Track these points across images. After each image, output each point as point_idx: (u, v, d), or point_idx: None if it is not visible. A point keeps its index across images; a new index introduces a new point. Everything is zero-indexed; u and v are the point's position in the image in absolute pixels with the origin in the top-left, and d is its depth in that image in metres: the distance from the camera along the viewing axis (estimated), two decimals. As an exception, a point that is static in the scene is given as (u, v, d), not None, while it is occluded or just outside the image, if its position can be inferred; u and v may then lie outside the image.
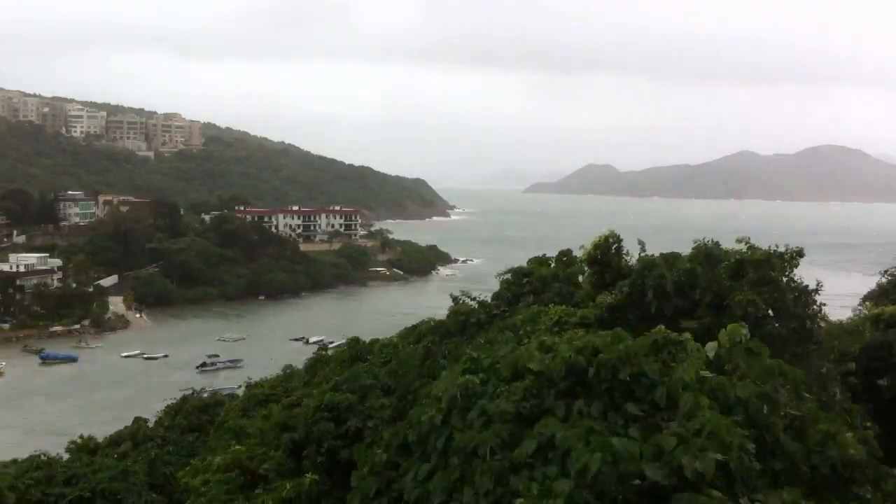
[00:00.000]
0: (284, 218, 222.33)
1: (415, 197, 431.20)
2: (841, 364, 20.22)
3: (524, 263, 24.00)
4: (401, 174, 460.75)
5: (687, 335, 11.18)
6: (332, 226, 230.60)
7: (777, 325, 17.00)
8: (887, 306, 25.80)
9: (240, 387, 45.48)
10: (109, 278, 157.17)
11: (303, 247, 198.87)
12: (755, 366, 10.67)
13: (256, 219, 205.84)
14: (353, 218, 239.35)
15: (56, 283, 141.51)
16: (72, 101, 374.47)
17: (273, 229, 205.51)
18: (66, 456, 34.86)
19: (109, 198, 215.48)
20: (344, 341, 35.52)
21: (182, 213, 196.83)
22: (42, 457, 31.48)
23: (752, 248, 18.41)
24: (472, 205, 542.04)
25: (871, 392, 20.58)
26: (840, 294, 37.15)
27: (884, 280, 34.69)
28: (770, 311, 17.00)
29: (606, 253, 20.42)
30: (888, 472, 10.53)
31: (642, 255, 19.25)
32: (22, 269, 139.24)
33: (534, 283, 22.47)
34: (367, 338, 31.84)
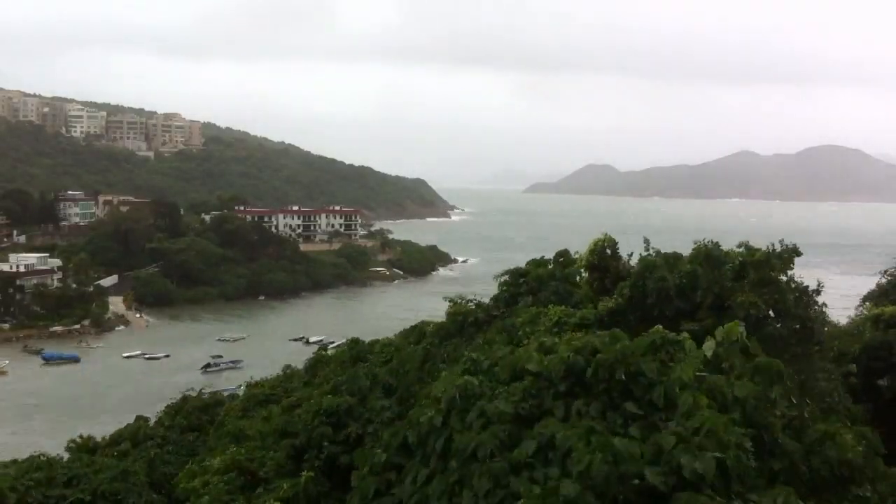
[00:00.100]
0: (284, 218, 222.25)
1: (415, 197, 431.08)
2: (841, 364, 20.22)
3: (523, 264, 23.98)
4: (400, 174, 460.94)
5: (685, 335, 11.18)
6: (332, 226, 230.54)
7: (778, 325, 16.99)
8: (887, 307, 25.81)
9: (240, 387, 45.48)
10: (109, 278, 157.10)
11: (303, 247, 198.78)
12: (752, 365, 10.69)
13: (256, 219, 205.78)
14: (353, 218, 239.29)
15: (56, 283, 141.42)
16: (72, 101, 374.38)
17: (273, 229, 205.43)
18: (66, 456, 34.84)
19: (109, 198, 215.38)
20: (344, 342, 35.52)
21: (182, 213, 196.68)
22: (42, 457, 31.45)
23: (751, 249, 18.40)
24: (472, 205, 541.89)
25: (872, 392, 20.60)
26: (839, 295, 37.10)
27: (884, 280, 34.70)
28: (771, 312, 16.98)
29: (604, 257, 20.38)
30: (887, 471, 10.54)
31: (644, 254, 19.20)
32: (22, 269, 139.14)
33: (531, 284, 22.47)
34: (366, 338, 31.86)
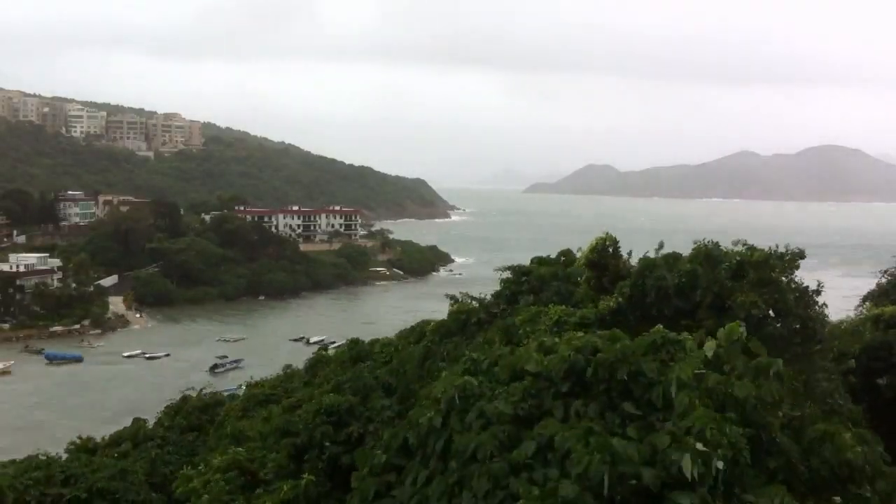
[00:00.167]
0: (284, 218, 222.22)
1: (415, 197, 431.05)
2: (841, 363, 20.21)
3: (523, 263, 23.98)
4: (400, 174, 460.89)
5: (685, 335, 11.16)
6: (332, 226, 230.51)
7: (778, 325, 16.97)
8: (887, 306, 25.79)
9: (240, 387, 45.45)
10: (109, 278, 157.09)
11: (303, 247, 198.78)
12: (753, 366, 10.67)
13: (256, 219, 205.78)
14: (353, 218, 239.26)
15: (56, 283, 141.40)
16: (72, 101, 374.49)
17: (273, 229, 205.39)
18: (65, 456, 34.81)
19: (109, 198, 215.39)
20: (344, 342, 35.49)
21: (182, 213, 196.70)
22: (41, 457, 31.44)
23: (751, 248, 18.38)
24: (472, 205, 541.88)
25: (871, 392, 20.58)
26: (840, 296, 37.08)
27: (884, 280, 34.69)
28: (771, 312, 16.96)
29: (604, 256, 20.37)
30: (886, 471, 10.52)
31: (660, 253, 19.16)
32: (22, 269, 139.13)
33: (532, 282, 22.46)
34: (367, 338, 31.85)
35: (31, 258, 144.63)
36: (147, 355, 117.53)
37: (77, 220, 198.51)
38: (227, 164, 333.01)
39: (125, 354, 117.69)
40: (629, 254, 20.66)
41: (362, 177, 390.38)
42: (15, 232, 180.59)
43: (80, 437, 39.45)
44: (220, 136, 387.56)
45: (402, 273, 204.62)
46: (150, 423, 41.58)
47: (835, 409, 15.35)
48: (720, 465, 8.48)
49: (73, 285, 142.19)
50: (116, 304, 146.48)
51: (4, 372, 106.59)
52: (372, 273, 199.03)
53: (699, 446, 8.55)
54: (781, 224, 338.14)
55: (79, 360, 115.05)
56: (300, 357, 47.20)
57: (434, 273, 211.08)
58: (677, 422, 8.99)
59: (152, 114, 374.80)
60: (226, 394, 47.07)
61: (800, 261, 18.10)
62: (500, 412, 10.09)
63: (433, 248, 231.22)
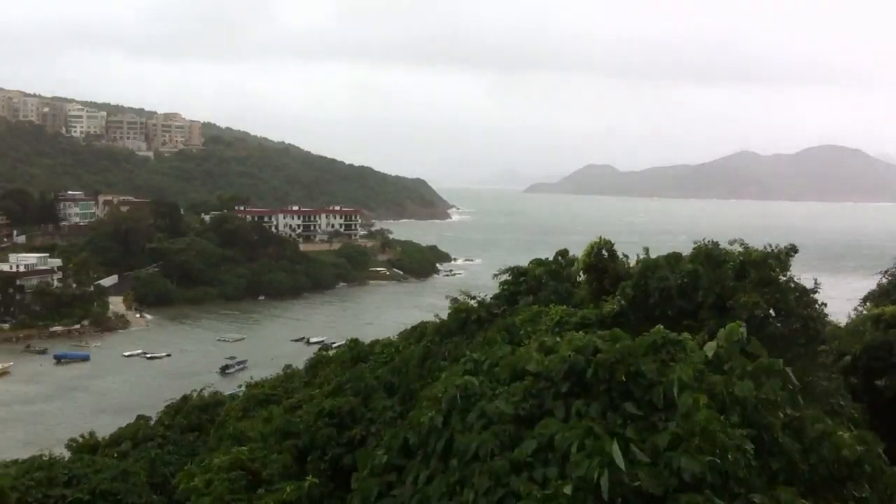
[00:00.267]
0: (284, 218, 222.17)
1: (415, 197, 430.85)
2: (841, 363, 20.24)
3: (523, 264, 24.01)
4: (400, 174, 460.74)
5: (686, 335, 11.18)
6: (332, 226, 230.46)
7: (780, 325, 16.98)
8: (887, 306, 25.81)
9: (240, 387, 45.42)
10: (109, 278, 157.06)
11: (303, 247, 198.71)
12: (754, 366, 10.69)
13: (256, 219, 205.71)
14: (353, 218, 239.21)
15: (56, 283, 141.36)
16: (72, 101, 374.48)
17: (273, 229, 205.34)
18: (66, 456, 34.83)
19: (109, 198, 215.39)
20: (344, 342, 35.45)
21: (182, 213, 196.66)
22: (43, 457, 31.48)
23: (748, 248, 18.41)
24: (472, 205, 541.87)
25: (871, 392, 20.61)
26: (844, 298, 37.14)
27: (884, 280, 34.70)
28: (772, 312, 16.98)
29: (601, 259, 20.38)
30: (886, 470, 10.54)
31: (672, 252, 19.16)
32: (22, 269, 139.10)
33: (531, 283, 22.48)
34: (367, 338, 31.85)
35: (31, 258, 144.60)
36: (148, 355, 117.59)
37: (77, 220, 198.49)
38: (227, 164, 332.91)
39: (125, 354, 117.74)
40: (626, 256, 20.66)
41: (362, 177, 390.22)
42: (15, 232, 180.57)
43: (81, 436, 39.48)
44: (220, 136, 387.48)
45: (402, 273, 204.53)
46: (152, 423, 41.62)
47: (835, 410, 15.38)
48: (726, 466, 8.51)
49: (74, 285, 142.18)
50: (116, 304, 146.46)
51: (3, 372, 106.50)
52: (372, 273, 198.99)
53: (706, 448, 8.58)
54: (782, 225, 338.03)
55: (86, 359, 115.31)
56: (300, 357, 47.20)
57: (434, 273, 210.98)
58: (681, 423, 9.01)
59: (152, 114, 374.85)
60: (225, 393, 47.04)
61: (801, 262, 18.11)
62: (502, 412, 10.11)
63: (433, 248, 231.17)
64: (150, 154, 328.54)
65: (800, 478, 9.63)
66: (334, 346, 65.72)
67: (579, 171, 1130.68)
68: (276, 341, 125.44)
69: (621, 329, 11.27)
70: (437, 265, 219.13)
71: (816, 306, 17.81)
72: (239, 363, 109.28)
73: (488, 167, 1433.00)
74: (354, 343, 30.16)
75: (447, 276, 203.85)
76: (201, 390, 43.53)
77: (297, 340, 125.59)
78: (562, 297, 20.97)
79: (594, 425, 9.20)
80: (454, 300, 23.00)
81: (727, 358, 10.72)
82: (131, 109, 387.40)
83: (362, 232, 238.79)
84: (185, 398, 42.56)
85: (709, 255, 18.46)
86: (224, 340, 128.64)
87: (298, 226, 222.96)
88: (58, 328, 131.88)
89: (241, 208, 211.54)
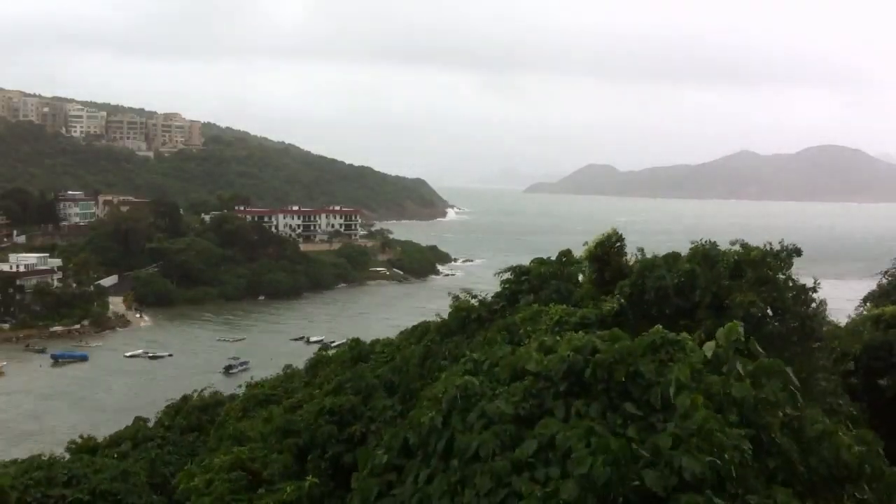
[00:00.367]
0: (284, 218, 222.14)
1: (415, 197, 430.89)
2: (842, 363, 20.24)
3: (524, 263, 24.02)
4: (400, 174, 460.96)
5: (685, 335, 11.19)
6: (332, 226, 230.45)
7: (777, 324, 16.98)
8: (887, 307, 25.80)
9: (240, 387, 45.43)
10: (109, 278, 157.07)
11: (303, 247, 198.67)
12: (753, 366, 10.69)
13: (256, 219, 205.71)
14: (353, 218, 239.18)
15: (56, 283, 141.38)
16: (72, 101, 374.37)
17: (273, 229, 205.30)
18: (66, 456, 34.84)
19: (109, 198, 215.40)
20: (345, 341, 35.43)
21: (182, 213, 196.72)
22: (43, 457, 31.49)
23: (747, 247, 18.42)
24: (473, 205, 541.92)
25: (872, 392, 20.60)
26: (845, 300, 37.13)
27: (884, 281, 34.68)
28: (769, 311, 16.97)
29: (608, 251, 20.43)
30: (886, 471, 10.53)
31: (670, 252, 19.19)
32: (22, 269, 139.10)
33: (532, 281, 22.49)
34: (367, 338, 31.86)
35: (31, 258, 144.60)
36: (149, 355, 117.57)
37: (77, 220, 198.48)
38: (227, 164, 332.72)
39: (127, 354, 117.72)
40: (626, 255, 20.70)
41: (362, 177, 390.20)
42: (15, 232, 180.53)
43: (81, 437, 39.48)
44: (220, 136, 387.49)
45: (402, 273, 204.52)
46: (151, 423, 41.63)
47: (834, 409, 15.38)
48: (725, 466, 8.51)
49: (74, 285, 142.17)
50: (116, 304, 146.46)
51: None
52: (372, 273, 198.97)
53: (705, 448, 8.58)
54: (782, 225, 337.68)
55: (84, 359, 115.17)
56: (300, 357, 47.21)
57: (434, 273, 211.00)
58: (680, 423, 9.01)
59: (152, 114, 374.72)
60: (225, 394, 47.03)
61: (803, 263, 18.11)
62: (502, 412, 10.12)
63: (433, 248, 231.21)
64: (150, 154, 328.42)
65: (798, 478, 9.63)
66: (334, 345, 65.87)
67: (579, 171, 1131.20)
68: (277, 341, 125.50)
69: (620, 328, 11.28)
70: (437, 265, 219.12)
71: (814, 305, 17.80)
72: (241, 363, 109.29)
73: (488, 167, 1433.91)
74: (355, 343, 30.19)
75: (447, 275, 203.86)
76: (202, 391, 43.54)
77: (296, 340, 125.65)
78: (563, 296, 20.97)
79: (595, 425, 9.21)
80: (455, 298, 23.01)
81: (725, 358, 10.73)
82: (131, 109, 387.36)
83: (362, 232, 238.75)
84: (186, 398, 42.57)
85: (706, 255, 18.48)
86: (224, 340, 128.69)
87: (298, 226, 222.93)
88: (58, 328, 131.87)
89: (241, 208, 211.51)
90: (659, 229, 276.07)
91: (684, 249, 19.58)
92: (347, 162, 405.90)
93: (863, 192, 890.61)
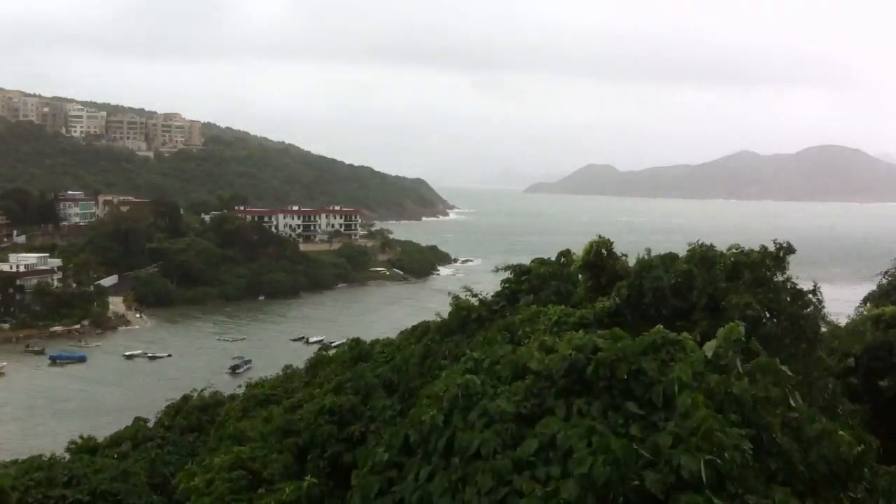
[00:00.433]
0: (284, 218, 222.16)
1: (415, 197, 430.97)
2: (841, 364, 20.26)
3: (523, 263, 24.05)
4: (400, 174, 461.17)
5: (685, 334, 11.23)
6: (332, 226, 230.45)
7: (773, 325, 17.00)
8: (887, 307, 25.83)
9: (240, 387, 45.47)
10: (109, 278, 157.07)
11: (303, 247, 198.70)
12: (752, 366, 10.72)
13: (256, 219, 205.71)
14: (353, 218, 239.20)
15: (56, 283, 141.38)
16: (72, 101, 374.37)
17: (273, 229, 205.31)
18: (66, 457, 34.85)
19: (109, 198, 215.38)
20: (344, 341, 35.44)
21: (182, 213, 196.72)
22: (43, 457, 31.52)
23: (744, 250, 18.45)
24: (473, 205, 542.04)
25: (872, 392, 20.62)
26: (845, 301, 37.17)
27: (884, 281, 34.73)
28: (766, 312, 17.00)
29: (600, 258, 20.42)
30: (886, 470, 10.56)
31: (668, 252, 19.19)
32: (22, 269, 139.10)
33: (532, 282, 22.52)
34: (367, 338, 31.90)
35: (31, 258, 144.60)
36: (149, 355, 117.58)
37: (77, 220, 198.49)
38: (227, 164, 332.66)
39: (126, 354, 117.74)
40: (625, 256, 20.69)
41: (362, 177, 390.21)
42: (15, 232, 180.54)
43: (81, 437, 39.49)
44: (220, 136, 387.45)
45: (402, 273, 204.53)
46: (151, 423, 41.64)
47: (831, 409, 15.40)
48: (724, 466, 8.53)
49: (74, 285, 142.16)
50: (116, 304, 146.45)
51: None
52: (372, 273, 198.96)
53: (705, 448, 8.60)
54: (783, 225, 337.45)
55: (83, 360, 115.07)
56: (300, 357, 47.23)
57: (434, 273, 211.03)
58: (680, 422, 9.04)
59: (152, 114, 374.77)
60: (225, 394, 47.04)
61: (806, 264, 18.11)
62: (503, 410, 10.15)
63: (433, 248, 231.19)
64: (150, 154, 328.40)
65: (798, 477, 9.65)
66: (333, 345, 65.91)
67: (579, 171, 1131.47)
68: (277, 341, 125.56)
69: (619, 328, 11.32)
70: (437, 265, 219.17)
71: (812, 307, 17.81)
72: (246, 362, 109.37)
73: (488, 167, 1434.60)
74: (355, 342, 30.22)
75: (447, 275, 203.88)
76: (202, 390, 43.56)
77: (295, 340, 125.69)
78: (562, 296, 20.99)
79: (596, 424, 9.24)
80: (456, 297, 23.04)
81: (726, 357, 10.76)
82: (131, 109, 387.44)
83: (362, 232, 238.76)
84: (186, 398, 42.58)
85: (703, 256, 18.50)
86: (224, 340, 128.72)
87: (298, 226, 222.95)
88: (58, 328, 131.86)
89: (241, 208, 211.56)
90: (659, 229, 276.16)
91: (681, 250, 19.59)
92: (347, 162, 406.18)
93: (863, 192, 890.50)
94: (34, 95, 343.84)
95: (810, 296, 17.77)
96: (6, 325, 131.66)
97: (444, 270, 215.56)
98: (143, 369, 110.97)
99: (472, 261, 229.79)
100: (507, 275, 23.43)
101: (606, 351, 10.21)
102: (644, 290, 17.43)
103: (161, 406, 45.46)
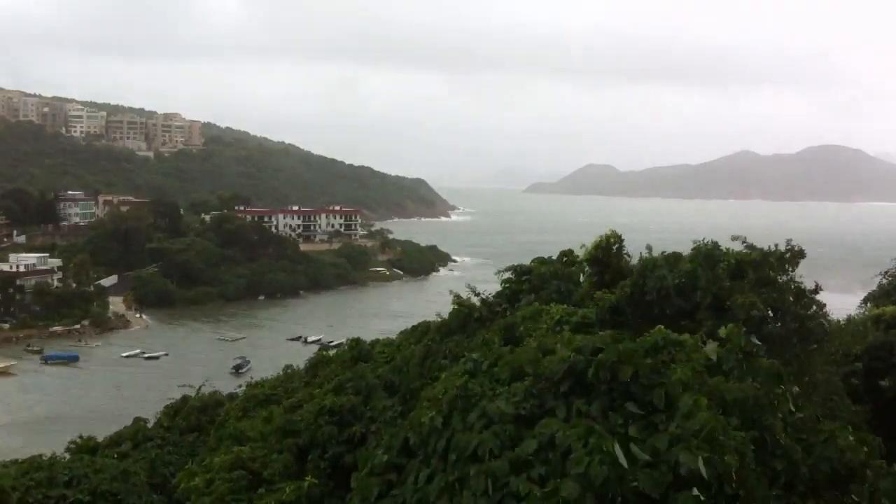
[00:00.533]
0: (284, 218, 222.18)
1: (415, 197, 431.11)
2: (845, 365, 20.21)
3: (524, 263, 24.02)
4: (400, 174, 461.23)
5: (687, 335, 11.18)
6: (332, 226, 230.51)
7: (778, 325, 16.94)
8: (888, 307, 25.79)
9: (240, 386, 45.43)
10: (109, 278, 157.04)
11: (303, 247, 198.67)
12: (754, 367, 10.68)
13: (256, 219, 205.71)
14: (353, 218, 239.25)
15: (56, 283, 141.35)
16: (72, 101, 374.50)
17: (273, 229, 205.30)
18: (66, 456, 34.80)
19: (109, 198, 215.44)
20: (343, 341, 35.39)
21: (182, 213, 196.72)
22: (43, 457, 31.48)
23: (751, 247, 18.37)
24: (473, 205, 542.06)
25: (873, 392, 20.58)
26: (842, 298, 37.12)
27: (884, 281, 34.69)
28: (770, 312, 16.93)
29: (607, 253, 20.35)
30: (887, 471, 10.52)
31: (671, 252, 19.13)
32: (22, 269, 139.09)
33: (533, 281, 22.48)
34: (367, 338, 31.86)
35: (31, 258, 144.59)
36: (146, 355, 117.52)
37: (77, 220, 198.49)
38: (227, 164, 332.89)
39: (124, 355, 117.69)
40: (628, 255, 20.63)
41: (362, 177, 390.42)
42: (15, 232, 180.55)
43: (80, 437, 39.44)
44: (220, 136, 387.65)
45: (402, 273, 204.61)
46: (150, 423, 41.57)
47: (834, 410, 15.37)
48: (726, 468, 8.50)
49: (73, 285, 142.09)
50: (116, 304, 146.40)
51: (7, 373, 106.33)
52: (372, 273, 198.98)
53: (707, 449, 8.57)
54: (783, 226, 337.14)
55: (75, 359, 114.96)
56: (300, 357, 47.18)
57: (434, 273, 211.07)
58: (682, 423, 9.00)
59: (152, 114, 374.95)
60: (224, 394, 46.98)
61: (801, 259, 18.06)
62: (502, 412, 10.11)
63: (433, 248, 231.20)
64: (150, 154, 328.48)
65: (801, 479, 9.62)
66: (332, 345, 65.93)
67: (579, 171, 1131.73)
68: (277, 341, 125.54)
69: (620, 329, 11.29)
70: (438, 265, 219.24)
71: (816, 306, 17.76)
72: (247, 362, 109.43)
73: (488, 167, 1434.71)
74: (355, 342, 30.17)
75: (447, 275, 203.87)
76: (199, 389, 43.49)
77: (293, 340, 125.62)
78: (564, 296, 20.95)
79: (595, 424, 9.19)
80: (457, 297, 23.00)
81: (727, 359, 10.72)
82: (131, 109, 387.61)
83: (362, 232, 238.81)
84: (185, 399, 42.51)
85: (708, 255, 18.43)
86: (224, 340, 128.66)
87: (298, 226, 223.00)
88: (58, 328, 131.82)
89: (241, 208, 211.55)
90: (658, 228, 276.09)
91: (680, 249, 19.53)
92: (347, 162, 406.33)
93: (863, 192, 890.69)
94: (34, 95, 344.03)
95: (814, 295, 17.73)
96: (6, 325, 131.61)
97: (444, 270, 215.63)
98: (141, 369, 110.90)
99: (472, 261, 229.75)
100: (507, 275, 23.40)
101: (607, 353, 10.16)
102: (647, 289, 17.36)
103: (159, 406, 45.40)
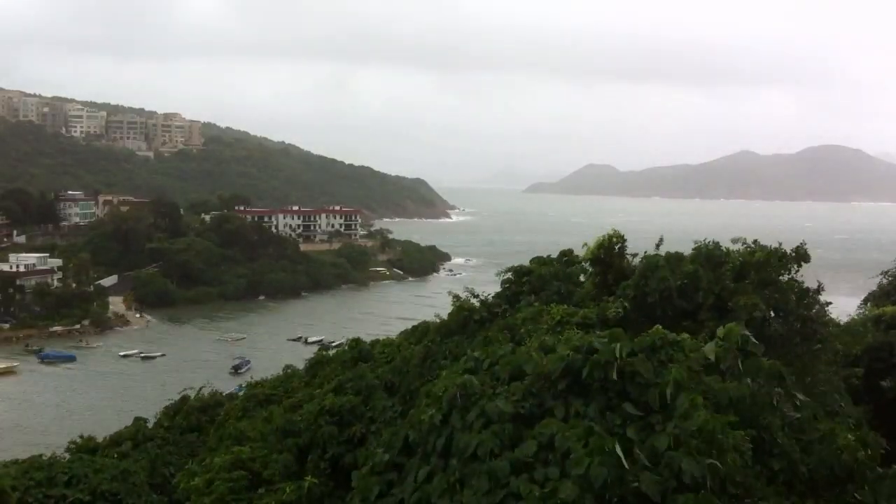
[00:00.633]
0: (284, 218, 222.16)
1: (415, 197, 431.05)
2: (846, 366, 20.20)
3: (525, 263, 24.00)
4: (400, 174, 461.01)
5: (685, 335, 11.16)
6: (332, 226, 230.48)
7: (780, 325, 16.93)
8: (888, 307, 25.79)
9: (240, 386, 45.41)
10: (109, 278, 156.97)
11: (303, 247, 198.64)
12: (752, 366, 10.66)
13: (256, 219, 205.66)
14: (353, 218, 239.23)
15: (56, 283, 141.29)
16: (72, 101, 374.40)
17: (273, 229, 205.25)
18: (66, 456, 34.78)
19: (109, 198, 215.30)
20: (344, 341, 35.35)
21: (182, 213, 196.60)
22: (43, 457, 31.46)
23: (752, 247, 18.36)
24: (473, 205, 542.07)
25: (873, 392, 20.57)
26: (843, 299, 37.05)
27: (884, 281, 34.67)
28: (772, 312, 16.92)
29: (609, 253, 20.35)
30: (887, 472, 10.51)
31: (673, 252, 19.11)
32: (22, 269, 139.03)
33: (533, 282, 22.47)
34: (367, 338, 31.85)
35: (31, 258, 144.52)
36: (143, 355, 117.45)
37: (77, 220, 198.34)
38: (227, 164, 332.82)
39: (122, 354, 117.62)
40: (633, 255, 20.62)
41: (362, 177, 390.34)
42: (15, 232, 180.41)
43: (80, 437, 39.44)
44: (220, 136, 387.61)
45: (402, 273, 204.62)
46: (150, 423, 41.55)
47: (835, 410, 15.35)
48: (725, 468, 8.48)
49: (73, 285, 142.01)
50: (116, 304, 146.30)
51: (9, 372, 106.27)
52: (372, 273, 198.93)
53: (705, 450, 8.55)
54: (784, 226, 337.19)
55: (72, 359, 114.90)
56: (300, 357, 47.16)
57: (434, 273, 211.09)
58: (680, 423, 8.98)
59: (152, 114, 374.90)
60: (224, 393, 46.94)
61: (805, 263, 18.03)
62: (502, 411, 10.10)
63: (433, 248, 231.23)
64: (150, 154, 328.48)
65: (800, 479, 9.61)
66: (333, 345, 65.90)
67: (579, 171, 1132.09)
68: (276, 341, 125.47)
69: (623, 329, 11.26)
70: (438, 265, 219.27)
71: (818, 306, 17.76)
72: (246, 362, 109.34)
73: (488, 167, 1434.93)
74: (355, 342, 30.16)
75: (447, 275, 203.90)
76: (200, 389, 43.46)
77: (294, 340, 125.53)
78: (564, 297, 20.94)
79: (594, 425, 9.18)
80: (456, 298, 22.99)
81: (724, 358, 10.71)
82: (131, 109, 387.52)
83: (362, 232, 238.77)
84: (185, 399, 42.47)
85: (709, 256, 18.43)
86: (224, 340, 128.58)
87: (298, 226, 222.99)
88: (58, 328, 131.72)
89: (241, 208, 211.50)
90: (658, 228, 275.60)
91: (680, 249, 19.53)
92: (347, 162, 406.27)
93: (863, 192, 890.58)
94: (34, 95, 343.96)
95: (816, 295, 17.73)
96: (6, 325, 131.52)
97: (444, 270, 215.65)
98: (140, 369, 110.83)
99: (472, 261, 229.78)
100: (507, 276, 23.39)
101: (601, 352, 10.16)
102: (650, 290, 17.35)
103: (157, 405, 45.39)
